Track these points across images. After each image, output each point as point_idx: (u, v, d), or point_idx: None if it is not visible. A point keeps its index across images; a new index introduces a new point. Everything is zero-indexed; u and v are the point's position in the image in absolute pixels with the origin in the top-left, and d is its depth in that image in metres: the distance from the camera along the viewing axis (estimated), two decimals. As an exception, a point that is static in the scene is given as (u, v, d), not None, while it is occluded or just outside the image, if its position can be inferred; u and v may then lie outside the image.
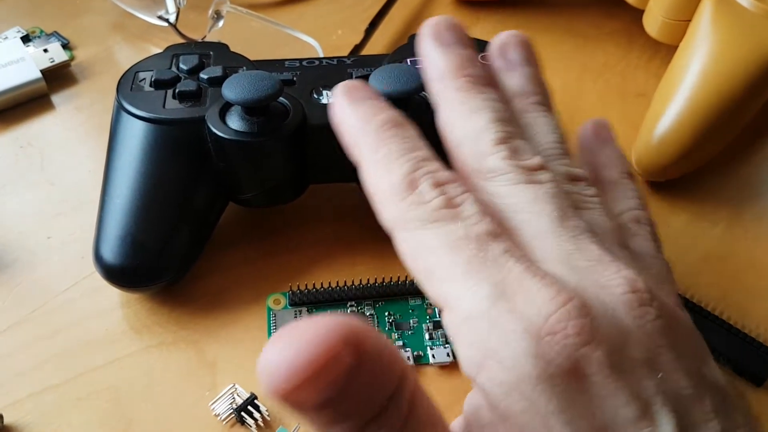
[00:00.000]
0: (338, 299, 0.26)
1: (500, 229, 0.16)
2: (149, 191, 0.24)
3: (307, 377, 0.12)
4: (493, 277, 0.15)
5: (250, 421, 0.22)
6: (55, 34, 0.36)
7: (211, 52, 0.27)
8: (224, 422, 0.22)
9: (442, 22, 0.20)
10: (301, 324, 0.13)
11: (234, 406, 0.22)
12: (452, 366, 0.24)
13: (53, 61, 0.33)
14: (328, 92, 0.26)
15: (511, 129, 0.18)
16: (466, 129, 0.18)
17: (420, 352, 0.24)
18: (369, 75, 0.24)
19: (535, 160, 0.17)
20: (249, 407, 0.22)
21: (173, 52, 0.27)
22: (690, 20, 0.31)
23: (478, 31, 0.37)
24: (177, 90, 0.25)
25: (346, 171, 0.26)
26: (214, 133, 0.23)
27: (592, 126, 0.22)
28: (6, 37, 0.35)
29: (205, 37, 0.35)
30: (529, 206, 0.16)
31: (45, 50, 0.33)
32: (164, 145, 0.24)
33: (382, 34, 0.36)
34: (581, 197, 0.17)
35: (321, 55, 0.33)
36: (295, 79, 0.26)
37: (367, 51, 0.35)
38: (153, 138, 0.24)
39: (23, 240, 0.27)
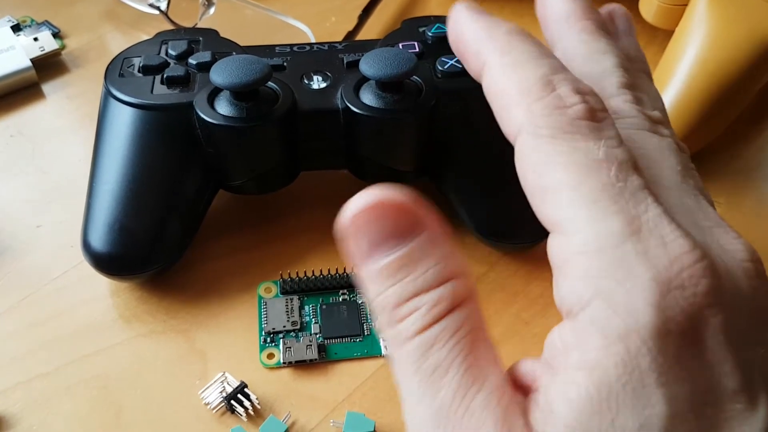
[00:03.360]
0: (330, 287, 0.25)
1: (638, 164, 0.14)
2: (137, 178, 0.24)
3: (382, 212, 0.14)
4: (629, 212, 0.13)
5: (240, 409, 0.22)
6: (46, 23, 0.35)
7: (201, 38, 0.27)
8: (214, 411, 0.22)
9: None
10: (384, 185, 0.14)
11: (224, 394, 0.22)
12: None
13: (44, 50, 0.33)
14: (318, 77, 0.25)
15: (634, 79, 0.18)
16: (591, 69, 0.17)
17: (412, 340, 0.24)
18: (360, 60, 0.24)
19: (657, 113, 0.17)
20: (239, 395, 0.22)
21: (162, 39, 0.27)
22: (686, 4, 0.31)
23: (472, 18, 0.37)
24: (165, 75, 0.24)
25: (337, 158, 0.26)
26: (203, 119, 0.23)
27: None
28: (-4, 26, 0.35)
29: (196, 24, 0.34)
30: (654, 154, 0.16)
31: (35, 39, 0.33)
32: (152, 131, 0.24)
33: (376, 21, 0.36)
34: (689, 166, 0.17)
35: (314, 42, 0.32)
36: (285, 64, 0.26)
37: (360, 38, 0.34)
38: (141, 124, 0.24)
39: (13, 228, 0.27)
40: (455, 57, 0.24)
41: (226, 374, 0.23)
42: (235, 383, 0.22)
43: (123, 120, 0.24)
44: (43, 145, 0.30)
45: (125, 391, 0.23)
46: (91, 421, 0.22)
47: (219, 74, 0.22)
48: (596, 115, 0.14)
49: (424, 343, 0.14)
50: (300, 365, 0.23)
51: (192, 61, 0.25)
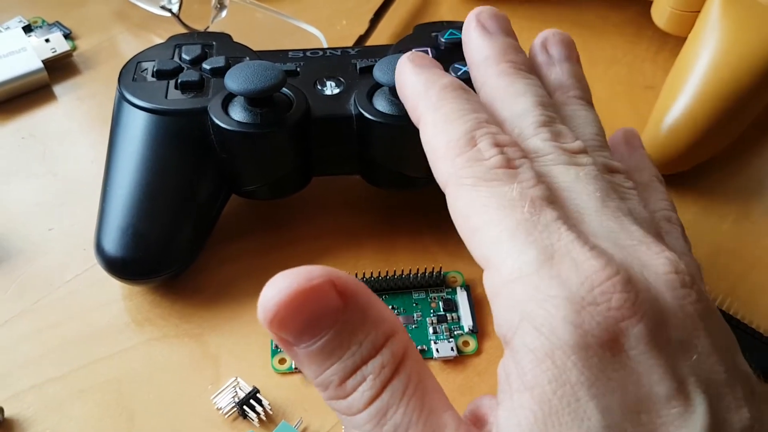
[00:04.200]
0: (342, 292, 0.25)
1: (554, 197, 0.16)
2: (151, 183, 0.24)
3: (297, 304, 0.14)
4: (542, 242, 0.15)
5: (252, 414, 0.22)
6: (57, 24, 0.35)
7: (214, 43, 0.27)
8: (226, 416, 0.22)
9: (486, 11, 0.21)
10: (295, 269, 0.14)
11: (236, 399, 0.22)
12: (456, 361, 0.24)
13: (55, 51, 0.33)
14: (332, 83, 0.25)
15: (554, 114, 0.18)
16: (511, 112, 0.18)
17: (424, 347, 0.24)
18: (373, 65, 0.24)
19: (576, 144, 0.17)
20: (251, 401, 0.22)
21: (175, 43, 0.27)
22: (699, 11, 0.31)
23: (483, 22, 0.37)
24: (179, 80, 0.25)
25: (350, 163, 0.26)
26: (217, 125, 0.23)
27: (622, 133, 0.23)
28: (8, 27, 0.35)
29: (208, 27, 0.34)
30: (571, 185, 0.16)
31: (47, 40, 0.33)
32: (166, 136, 0.24)
33: (387, 25, 0.36)
34: (620, 187, 0.17)
35: (325, 46, 0.32)
36: (298, 69, 0.26)
37: (371, 42, 0.34)
38: (155, 129, 0.24)
39: (25, 231, 0.27)
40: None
41: (239, 379, 0.23)
42: (248, 388, 0.23)
43: (137, 124, 0.24)
44: (55, 147, 0.30)
45: (138, 395, 0.23)
46: (103, 424, 0.22)
47: (234, 80, 0.22)
48: (512, 163, 0.16)
49: (379, 411, 0.14)
50: (312, 371, 0.23)
51: (206, 66, 0.25)
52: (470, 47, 0.20)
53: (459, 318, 0.25)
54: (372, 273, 0.25)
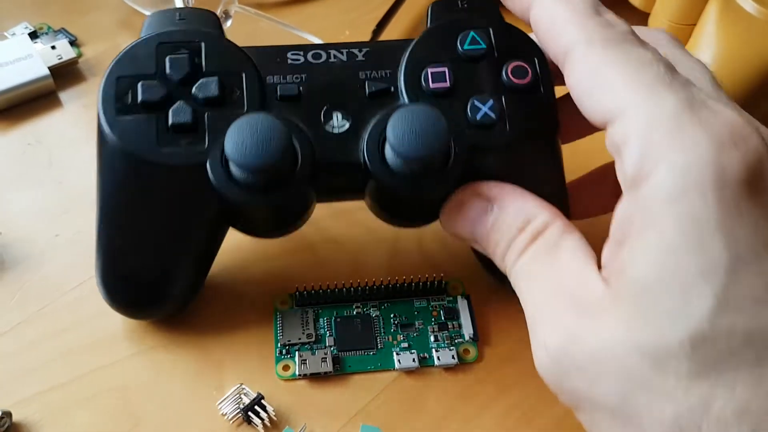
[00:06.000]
0: (344, 300, 0.26)
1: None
2: (146, 229, 0.22)
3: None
4: (680, 93, 0.16)
5: (256, 420, 0.22)
6: (63, 31, 0.36)
7: (202, 44, 0.23)
8: (231, 422, 0.23)
9: None
10: None
11: (241, 405, 0.23)
12: (457, 368, 0.24)
13: (61, 58, 0.33)
14: (338, 115, 0.22)
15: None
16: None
17: (425, 354, 0.24)
18: (386, 92, 0.22)
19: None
20: (256, 407, 0.23)
21: (157, 41, 0.23)
22: (695, 24, 0.31)
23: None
24: (171, 122, 0.21)
25: (354, 195, 0.23)
26: (218, 189, 0.21)
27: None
28: (14, 33, 0.35)
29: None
30: (685, 70, 0.18)
31: (53, 47, 0.33)
32: (161, 187, 0.22)
33: (390, 35, 0.36)
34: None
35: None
36: (300, 90, 0.23)
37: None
38: (148, 177, 0.22)
39: (30, 238, 0.27)
40: (488, 100, 0.22)
41: (243, 386, 0.23)
42: (252, 394, 0.23)
43: (127, 171, 0.22)
44: (60, 153, 0.31)
45: (143, 401, 0.23)
46: (109, 431, 0.22)
47: (235, 149, 0.20)
48: (638, 38, 0.17)
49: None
50: (315, 377, 0.24)
51: (198, 94, 0.22)
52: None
53: (460, 326, 0.25)
54: (374, 281, 0.26)
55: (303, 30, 0.33)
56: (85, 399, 0.23)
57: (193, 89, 0.22)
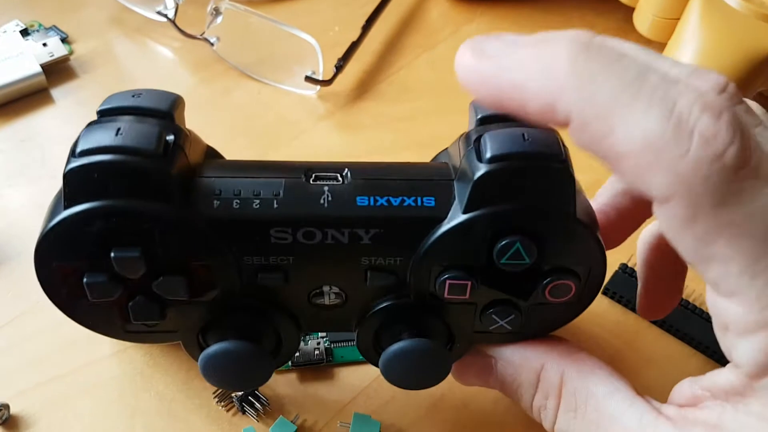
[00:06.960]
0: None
1: None
2: None
3: None
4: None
5: (251, 410, 0.23)
6: (54, 28, 0.36)
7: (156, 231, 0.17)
8: (227, 411, 0.23)
9: None
10: None
11: (236, 396, 0.23)
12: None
13: (52, 56, 0.34)
14: (328, 290, 0.19)
15: None
16: None
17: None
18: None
19: None
20: (250, 398, 0.23)
21: (96, 219, 0.17)
22: (679, 18, 0.32)
23: (473, 30, 0.38)
24: (131, 313, 0.19)
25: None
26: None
27: None
28: (5, 31, 0.35)
29: (203, 33, 0.35)
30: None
31: (44, 44, 0.34)
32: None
33: (379, 31, 0.37)
34: None
35: (318, 52, 0.33)
36: (289, 274, 0.18)
37: (363, 48, 0.35)
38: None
39: (24, 233, 0.28)
40: (510, 315, 0.19)
41: (237, 376, 0.24)
42: (246, 385, 0.23)
43: None
44: (53, 150, 0.31)
45: (140, 392, 0.23)
46: (107, 421, 0.23)
47: (212, 376, 0.19)
48: (748, 151, 0.12)
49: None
50: (308, 368, 0.24)
51: (157, 291, 0.18)
52: None
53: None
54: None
55: (293, 26, 0.33)
56: (83, 390, 0.23)
57: (154, 286, 0.18)
